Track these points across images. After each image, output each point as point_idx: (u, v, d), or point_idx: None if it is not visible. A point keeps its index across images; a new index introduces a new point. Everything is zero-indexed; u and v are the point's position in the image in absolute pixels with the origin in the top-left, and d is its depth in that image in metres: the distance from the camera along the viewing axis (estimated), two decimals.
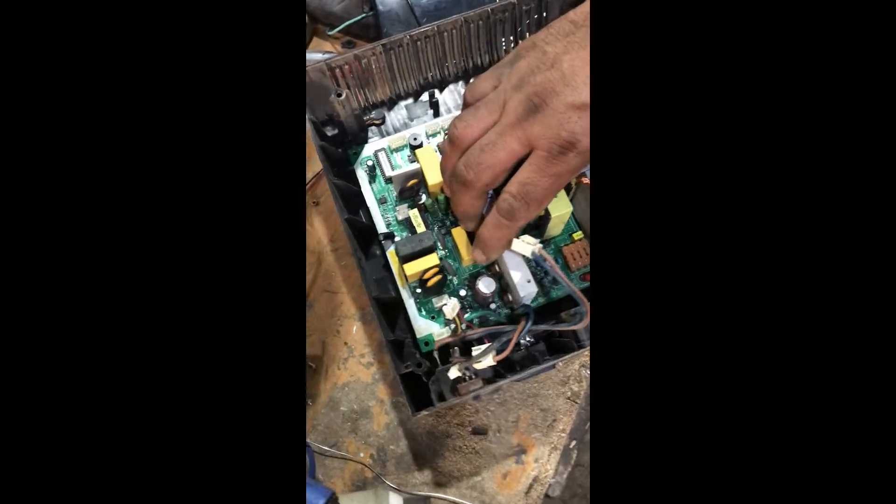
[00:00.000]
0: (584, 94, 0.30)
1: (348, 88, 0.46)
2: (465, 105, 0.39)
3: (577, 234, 0.44)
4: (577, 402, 0.47)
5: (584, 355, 0.48)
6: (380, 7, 0.54)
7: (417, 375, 0.42)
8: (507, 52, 0.53)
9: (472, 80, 0.39)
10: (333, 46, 0.59)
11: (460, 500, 0.43)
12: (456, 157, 0.37)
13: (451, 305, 0.41)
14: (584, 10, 0.32)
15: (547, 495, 0.46)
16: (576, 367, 0.47)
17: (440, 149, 0.46)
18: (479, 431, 0.44)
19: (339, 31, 0.58)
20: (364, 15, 0.56)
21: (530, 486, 0.44)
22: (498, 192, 0.38)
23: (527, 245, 0.39)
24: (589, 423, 0.48)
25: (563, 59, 0.31)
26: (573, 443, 0.47)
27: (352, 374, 0.47)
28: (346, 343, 0.48)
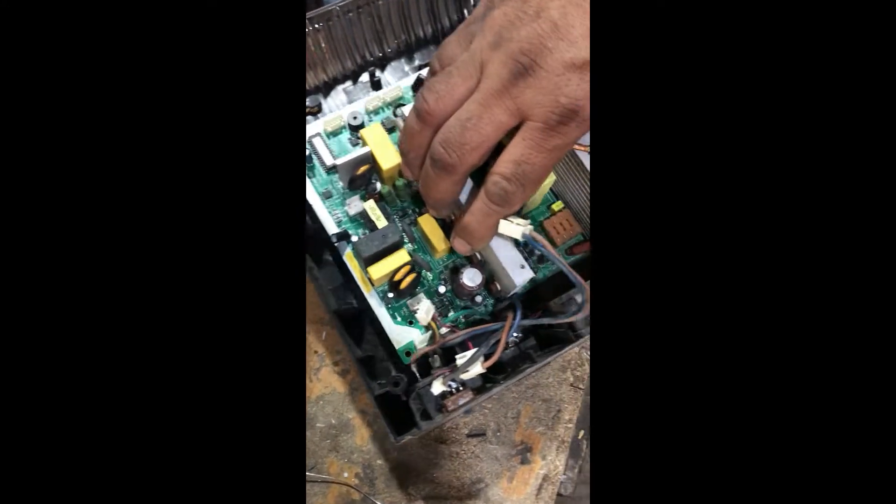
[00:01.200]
0: (583, 49, 0.25)
1: None
2: (433, 74, 0.32)
3: (557, 205, 0.39)
4: (580, 388, 0.42)
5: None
6: None
7: (396, 394, 0.37)
8: (455, 23, 0.49)
9: (441, 45, 0.34)
10: None
11: None
12: (428, 135, 0.31)
13: (423, 308, 0.35)
14: None
15: (559, 494, 0.41)
16: (575, 351, 0.43)
17: (402, 126, 0.40)
18: (477, 433, 0.39)
19: None
20: None
21: (540, 487, 0.39)
22: (479, 171, 0.33)
23: (516, 226, 0.33)
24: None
25: (550, 5, 0.25)
26: (581, 433, 0.42)
27: (326, 385, 0.41)
28: (315, 351, 0.42)
